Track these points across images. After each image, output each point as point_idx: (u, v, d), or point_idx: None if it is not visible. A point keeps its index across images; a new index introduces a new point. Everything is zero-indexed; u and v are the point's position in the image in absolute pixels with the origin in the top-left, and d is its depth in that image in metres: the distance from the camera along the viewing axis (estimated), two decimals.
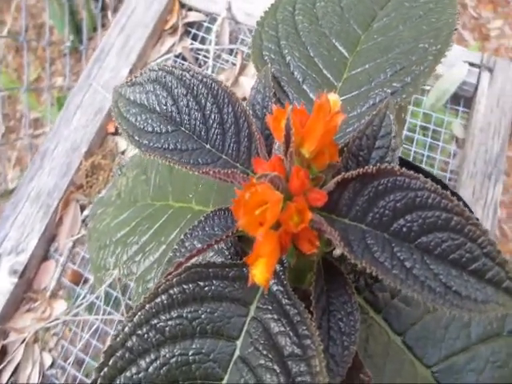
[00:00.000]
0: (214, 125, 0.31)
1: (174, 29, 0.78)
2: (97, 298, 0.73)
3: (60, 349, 0.72)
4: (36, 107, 1.30)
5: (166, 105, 0.32)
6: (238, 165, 0.30)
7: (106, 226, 0.51)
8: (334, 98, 0.25)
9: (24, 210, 0.73)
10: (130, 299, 0.73)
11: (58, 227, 0.77)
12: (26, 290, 0.72)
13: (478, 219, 0.25)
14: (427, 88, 0.75)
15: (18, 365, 0.69)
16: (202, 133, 0.31)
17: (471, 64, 0.72)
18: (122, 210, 0.51)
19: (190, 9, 0.81)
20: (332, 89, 0.35)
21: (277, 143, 0.28)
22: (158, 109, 0.32)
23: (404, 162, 0.45)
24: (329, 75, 0.35)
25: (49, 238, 0.75)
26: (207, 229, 0.30)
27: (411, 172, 0.25)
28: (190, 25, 0.81)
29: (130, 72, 0.76)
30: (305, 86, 0.34)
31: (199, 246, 0.28)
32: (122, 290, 0.73)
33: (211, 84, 0.30)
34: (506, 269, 0.23)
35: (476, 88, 0.71)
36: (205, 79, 0.30)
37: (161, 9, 0.78)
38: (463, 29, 1.50)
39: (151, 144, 0.30)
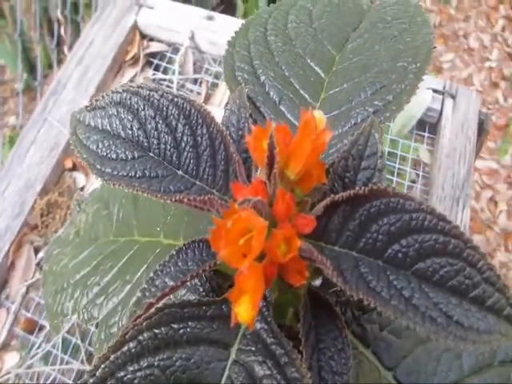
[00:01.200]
0: (187, 148, 0.28)
1: (135, 59, 0.77)
2: (53, 346, 0.67)
3: None
4: None
5: (131, 129, 0.29)
6: (214, 191, 0.28)
7: (63, 268, 0.47)
8: (318, 114, 0.24)
9: None
10: (90, 345, 0.67)
11: (10, 272, 0.71)
12: None
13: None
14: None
15: None
16: (174, 157, 0.28)
17: (435, 91, 0.73)
18: (82, 249, 0.47)
19: (152, 39, 0.80)
20: (309, 107, 0.33)
21: (255, 168, 0.26)
22: (122, 134, 0.29)
23: None
24: (306, 95, 0.34)
25: None
26: (180, 264, 0.27)
27: (404, 193, 0.24)
28: (152, 55, 0.80)
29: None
30: (282, 107, 0.33)
31: (171, 283, 0.25)
32: (82, 335, 0.68)
33: (183, 104, 0.28)
34: (506, 295, 0.23)
35: (440, 114, 0.72)
36: (176, 99, 0.28)
37: (120, 40, 0.76)
38: None
39: (115, 172, 0.28)
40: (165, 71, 0.79)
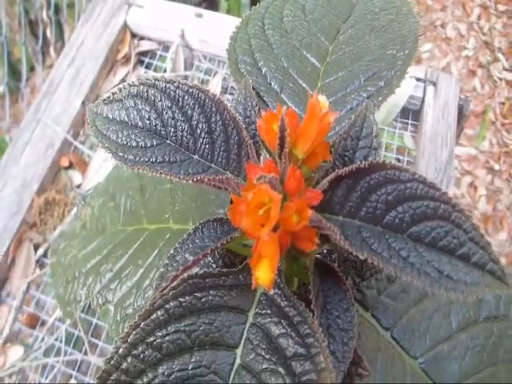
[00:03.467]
0: (202, 134, 0.31)
1: (127, 58, 0.78)
2: (56, 339, 0.69)
3: None
4: None
5: (149, 119, 0.31)
6: (228, 173, 0.30)
7: (72, 259, 0.49)
8: (322, 99, 0.26)
9: None
10: (93, 336, 0.69)
11: (11, 269, 0.73)
12: None
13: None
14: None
15: None
16: (190, 144, 0.31)
17: (417, 79, 0.76)
18: (90, 240, 0.49)
19: (142, 38, 0.81)
20: (309, 95, 0.36)
21: (264, 150, 0.29)
22: (140, 124, 0.32)
23: None
24: (304, 84, 0.37)
25: (0, 282, 0.71)
26: (197, 241, 0.29)
27: (401, 165, 0.27)
28: (143, 54, 0.81)
29: (83, 104, 0.75)
30: (283, 96, 0.35)
31: (191, 258, 0.28)
32: (84, 328, 0.70)
33: (198, 94, 0.31)
34: (488, 251, 0.25)
35: (423, 101, 0.76)
36: (191, 89, 0.31)
37: (111, 39, 0.77)
38: None
39: (137, 159, 0.30)
40: (156, 69, 0.81)
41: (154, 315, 0.27)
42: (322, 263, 0.31)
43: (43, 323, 0.71)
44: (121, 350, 0.27)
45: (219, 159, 0.30)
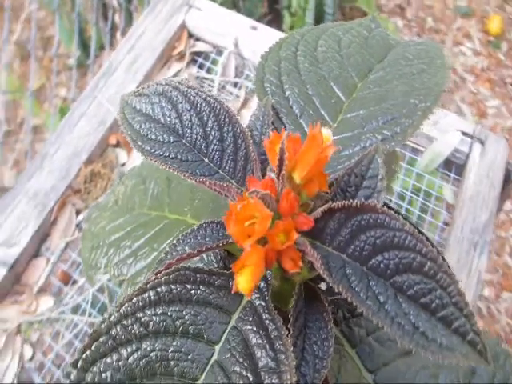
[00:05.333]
0: (214, 141, 0.32)
1: (182, 56, 0.80)
2: (84, 300, 0.72)
3: (42, 344, 0.71)
4: (38, 114, 1.31)
5: (170, 117, 0.33)
6: (233, 181, 0.31)
7: (100, 229, 0.52)
8: (326, 132, 0.27)
9: (20, 206, 0.73)
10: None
11: (52, 227, 0.76)
12: (14, 282, 0.71)
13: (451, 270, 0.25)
14: (421, 149, 0.76)
15: None
16: (202, 147, 0.32)
17: (464, 133, 0.73)
18: (118, 216, 0.52)
19: (198, 39, 0.83)
20: (327, 126, 0.36)
21: (270, 168, 0.30)
22: (162, 120, 0.33)
23: (388, 207, 0.46)
24: (325, 114, 0.37)
25: (42, 236, 0.75)
26: (199, 237, 0.31)
27: (392, 212, 0.26)
28: (198, 54, 0.83)
29: None
30: (302, 121, 0.36)
31: (189, 251, 0.29)
32: (110, 297, 0.73)
33: (214, 103, 0.32)
34: (471, 321, 0.24)
35: (467, 157, 0.72)
36: (208, 98, 0.32)
37: (169, 36, 0.80)
38: (462, 102, 1.53)
39: (153, 150, 0.32)
40: (208, 71, 0.82)
41: (146, 294, 0.28)
42: (310, 288, 0.31)
43: (74, 282, 0.74)
44: (112, 317, 0.28)
45: (227, 167, 0.31)
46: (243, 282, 0.25)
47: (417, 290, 0.25)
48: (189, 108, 0.33)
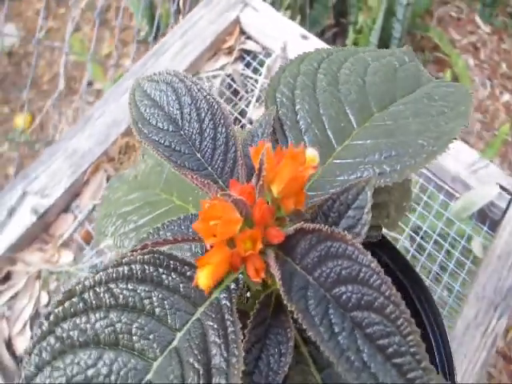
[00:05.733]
0: (208, 138, 0.32)
1: (231, 50, 0.81)
2: (101, 262, 0.74)
3: (57, 294, 0.74)
4: (100, 79, 1.36)
5: (172, 107, 0.34)
6: (219, 181, 0.32)
7: (116, 199, 0.54)
8: (313, 153, 0.27)
9: (58, 162, 0.76)
10: None
11: (84, 188, 0.79)
12: (41, 231, 0.74)
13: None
14: (456, 195, 0.73)
15: (17, 294, 0.72)
16: (197, 142, 0.33)
17: (503, 188, 0.70)
18: (133, 191, 0.54)
19: (249, 38, 0.84)
20: (331, 148, 0.36)
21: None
22: (165, 108, 0.34)
23: (386, 242, 0.45)
24: (331, 136, 0.36)
25: (73, 194, 0.77)
26: (182, 227, 0.32)
27: (361, 247, 0.26)
28: (246, 52, 0.84)
29: None
30: (305, 137, 0.35)
31: (168, 237, 0.30)
32: None
33: (212, 102, 0.33)
34: (428, 375, 0.23)
35: (504, 214, 0.69)
36: (208, 96, 0.33)
37: (222, 28, 0.81)
38: None
39: (150, 135, 0.33)
40: (254, 70, 0.83)
41: (121, 268, 0.29)
42: (281, 302, 0.29)
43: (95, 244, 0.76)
44: (87, 282, 0.29)
45: (216, 166, 0.32)
46: (203, 277, 0.26)
47: (376, 330, 0.24)
48: (190, 102, 0.33)
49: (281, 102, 0.36)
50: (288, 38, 0.80)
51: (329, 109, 0.36)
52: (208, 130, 0.33)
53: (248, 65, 0.83)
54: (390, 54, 0.42)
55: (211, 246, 0.25)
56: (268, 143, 0.25)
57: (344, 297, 0.25)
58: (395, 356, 0.24)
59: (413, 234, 0.73)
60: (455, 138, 0.34)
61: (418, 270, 0.69)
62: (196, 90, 0.33)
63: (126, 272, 0.29)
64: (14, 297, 0.71)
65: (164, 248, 0.30)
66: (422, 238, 0.73)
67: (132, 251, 0.29)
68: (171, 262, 0.30)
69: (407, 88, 0.40)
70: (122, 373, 0.27)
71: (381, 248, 0.44)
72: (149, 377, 0.27)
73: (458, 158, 0.72)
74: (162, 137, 0.33)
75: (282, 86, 0.37)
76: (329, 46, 0.43)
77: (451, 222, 0.73)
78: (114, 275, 0.29)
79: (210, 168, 0.32)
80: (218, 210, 0.24)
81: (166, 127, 0.33)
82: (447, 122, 0.35)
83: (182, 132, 0.33)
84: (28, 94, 1.09)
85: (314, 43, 0.80)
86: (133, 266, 0.29)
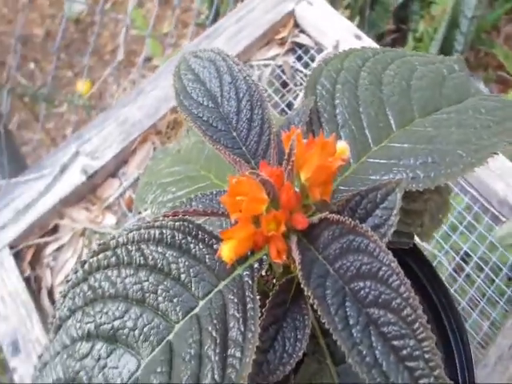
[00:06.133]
0: (244, 119, 0.33)
1: (283, 42, 0.81)
2: None
3: None
4: (158, 56, 1.39)
5: (213, 84, 0.34)
6: (252, 161, 0.32)
7: (158, 170, 0.56)
8: (343, 146, 0.27)
9: (109, 128, 0.79)
10: None
11: (131, 156, 0.81)
12: (89, 191, 0.78)
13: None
14: (502, 219, 0.69)
15: (62, 247, 0.75)
16: (233, 121, 0.33)
17: None
18: (175, 164, 0.55)
19: (303, 31, 0.83)
20: (367, 147, 0.35)
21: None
22: (207, 84, 0.35)
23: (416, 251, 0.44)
24: (368, 135, 0.35)
25: (121, 160, 0.80)
26: (214, 201, 0.33)
27: (384, 246, 0.26)
28: (298, 45, 0.83)
29: None
30: (341, 132, 0.35)
31: (199, 209, 0.31)
32: None
33: (251, 84, 0.33)
34: (440, 381, 0.23)
35: None
36: (247, 78, 0.33)
37: (276, 19, 0.80)
38: None
39: (190, 108, 0.33)
40: (304, 64, 0.82)
41: (152, 231, 0.30)
42: (301, 288, 0.30)
43: (139, 213, 0.77)
44: (121, 239, 0.31)
45: (250, 146, 0.32)
46: (226, 249, 0.27)
47: (391, 330, 0.24)
48: (230, 81, 0.34)
49: (320, 94, 0.36)
50: (341, 37, 0.79)
51: (368, 107, 0.36)
52: (245, 111, 0.33)
53: (299, 58, 0.82)
54: (439, 61, 0.41)
55: (236, 222, 0.26)
56: (299, 129, 0.26)
57: (362, 292, 0.25)
58: (409, 359, 0.23)
59: (453, 254, 0.70)
60: (496, 153, 0.33)
61: (455, 290, 0.67)
62: (236, 70, 0.34)
63: (156, 235, 0.30)
64: (59, 249, 0.75)
65: (194, 219, 0.31)
66: (462, 258, 0.70)
67: (164, 216, 0.30)
68: (200, 232, 0.31)
69: (454, 98, 0.39)
70: (145, 329, 0.29)
71: (411, 256, 0.44)
72: (170, 337, 0.28)
73: (508, 181, 0.69)
74: (201, 111, 0.33)
75: (324, 78, 0.36)
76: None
77: (495, 246, 0.69)
78: (146, 236, 0.30)
79: (244, 148, 0.33)
80: (245, 186, 0.25)
81: (205, 103, 0.34)
82: (490, 137, 0.34)
83: (220, 109, 0.34)
84: (89, 62, 1.13)
85: (367, 44, 0.77)
86: (163, 231, 0.30)
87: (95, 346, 0.29)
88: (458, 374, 0.41)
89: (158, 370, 0.27)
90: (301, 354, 0.29)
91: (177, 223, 0.30)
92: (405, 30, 1.39)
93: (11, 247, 0.71)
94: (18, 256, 0.72)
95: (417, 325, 0.24)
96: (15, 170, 0.93)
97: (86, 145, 0.78)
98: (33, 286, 0.72)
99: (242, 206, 0.25)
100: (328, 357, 0.34)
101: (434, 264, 0.67)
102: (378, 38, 1.36)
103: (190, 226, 0.30)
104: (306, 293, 0.25)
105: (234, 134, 0.33)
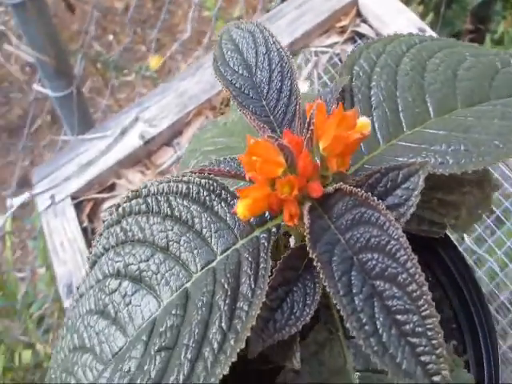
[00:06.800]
0: (274, 89, 0.33)
1: (343, 30, 0.79)
2: None
3: None
4: None
5: (250, 54, 0.35)
6: (278, 130, 0.33)
7: (204, 139, 0.58)
8: (365, 120, 0.27)
9: (168, 98, 0.81)
10: None
11: (186, 127, 0.83)
12: (145, 156, 0.81)
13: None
14: None
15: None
16: (264, 90, 0.34)
17: None
18: (220, 135, 0.57)
19: (365, 21, 0.80)
20: (399, 130, 0.35)
21: None
22: (244, 54, 0.36)
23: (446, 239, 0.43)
24: (402, 119, 0.35)
25: (176, 131, 0.82)
26: (240, 165, 0.33)
27: (394, 221, 0.26)
28: (359, 35, 0.81)
29: (290, 45, 0.79)
30: (374, 113, 0.35)
31: (226, 169, 0.32)
32: None
33: (283, 56, 0.34)
34: (441, 363, 0.23)
35: None
36: (280, 50, 0.34)
37: (338, 7, 0.79)
38: None
39: (225, 74, 0.34)
40: None
41: (180, 185, 0.31)
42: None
43: None
44: (152, 188, 0.32)
45: (277, 115, 0.33)
46: (241, 207, 0.27)
47: (395, 304, 0.24)
48: (264, 52, 0.35)
49: (357, 75, 0.36)
50: (404, 29, 0.76)
51: (406, 92, 0.35)
52: (276, 82, 0.34)
53: None
54: (493, 54, 0.39)
55: (250, 180, 0.27)
56: (320, 100, 0.26)
57: (369, 263, 0.25)
58: (411, 334, 0.23)
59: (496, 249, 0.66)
60: None
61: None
62: (271, 42, 0.35)
63: (184, 189, 0.31)
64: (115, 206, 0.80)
65: (219, 178, 0.32)
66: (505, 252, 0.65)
67: (192, 172, 0.31)
68: (223, 191, 0.32)
69: (504, 92, 0.36)
70: (166, 274, 0.30)
71: (442, 246, 0.43)
72: (187, 285, 0.29)
73: None
74: (235, 78, 0.35)
75: (363, 60, 0.36)
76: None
77: None
78: (174, 189, 0.32)
79: (271, 116, 0.33)
80: (261, 148, 0.26)
81: (240, 71, 0.35)
82: None
83: (253, 78, 0.35)
84: (162, 39, 1.17)
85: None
86: (190, 186, 0.31)
87: (122, 284, 0.31)
88: (485, 372, 0.40)
89: (173, 312, 0.28)
90: (308, 318, 0.29)
91: (203, 180, 0.31)
92: (483, 30, 1.30)
93: (73, 198, 0.76)
94: (78, 207, 0.77)
95: (421, 301, 0.24)
96: (84, 130, 0.99)
97: (146, 112, 0.81)
98: (89, 236, 0.76)
99: (256, 165, 0.26)
100: (340, 328, 0.34)
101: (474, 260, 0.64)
102: (453, 38, 1.28)
103: (215, 184, 0.31)
104: (310, 254, 0.26)
105: (264, 102, 0.34)
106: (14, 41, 0.86)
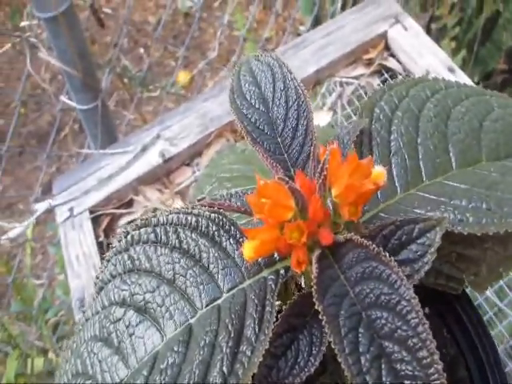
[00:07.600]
0: (290, 127, 0.33)
1: (370, 63, 0.79)
2: None
3: None
4: None
5: (267, 89, 0.35)
6: (291, 169, 0.32)
7: (221, 164, 0.58)
8: (381, 170, 0.26)
9: (189, 118, 0.82)
10: None
11: (206, 148, 0.84)
12: (163, 175, 0.81)
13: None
14: None
15: (134, 220, 0.79)
16: (280, 127, 0.33)
17: None
18: (237, 162, 0.57)
19: (393, 55, 0.80)
20: (418, 180, 0.34)
21: None
22: (262, 88, 0.35)
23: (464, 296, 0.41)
24: (422, 168, 0.34)
25: (196, 151, 0.83)
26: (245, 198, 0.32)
27: (405, 280, 0.25)
28: (386, 68, 0.80)
29: (316, 73, 0.79)
30: (392, 159, 0.34)
31: (233, 204, 0.31)
32: None
33: (300, 94, 0.33)
34: None
35: None
36: (298, 87, 0.33)
37: (367, 39, 0.78)
38: None
39: (240, 107, 0.34)
40: None
41: (189, 217, 0.31)
42: None
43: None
44: (161, 218, 0.32)
45: (291, 154, 0.32)
46: (248, 248, 0.27)
47: (404, 368, 0.23)
48: (282, 88, 0.34)
49: (377, 117, 0.35)
50: (433, 67, 0.75)
51: (427, 139, 0.34)
52: (292, 119, 0.33)
53: (384, 82, 0.80)
54: None
55: (261, 223, 0.27)
56: (335, 145, 0.25)
57: (378, 322, 0.25)
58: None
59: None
60: None
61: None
62: (289, 79, 0.34)
63: (193, 222, 0.31)
64: (131, 222, 0.80)
65: (229, 213, 0.31)
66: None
67: (201, 204, 0.31)
68: (232, 227, 0.31)
69: None
70: (171, 308, 0.30)
71: (457, 298, 0.41)
72: (191, 321, 0.29)
73: None
74: (251, 113, 0.34)
75: (384, 102, 0.35)
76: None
77: None
78: (183, 221, 0.31)
79: (285, 155, 0.33)
80: (271, 190, 0.25)
81: (257, 105, 0.35)
82: None
83: (270, 114, 0.34)
84: (191, 56, 1.19)
85: (459, 79, 0.73)
86: (199, 219, 0.31)
87: (127, 313, 0.31)
88: None
89: (175, 348, 0.28)
90: (313, 369, 0.28)
91: (212, 214, 0.31)
92: None
93: (91, 212, 0.77)
94: (95, 221, 0.77)
95: (432, 370, 0.23)
96: (107, 143, 1.00)
97: (167, 130, 0.82)
98: (104, 251, 0.76)
99: (265, 208, 0.25)
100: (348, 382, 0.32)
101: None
102: (485, 77, 1.26)
103: (224, 219, 0.31)
104: (316, 306, 0.25)
105: (279, 139, 0.33)
106: (45, 53, 0.89)
